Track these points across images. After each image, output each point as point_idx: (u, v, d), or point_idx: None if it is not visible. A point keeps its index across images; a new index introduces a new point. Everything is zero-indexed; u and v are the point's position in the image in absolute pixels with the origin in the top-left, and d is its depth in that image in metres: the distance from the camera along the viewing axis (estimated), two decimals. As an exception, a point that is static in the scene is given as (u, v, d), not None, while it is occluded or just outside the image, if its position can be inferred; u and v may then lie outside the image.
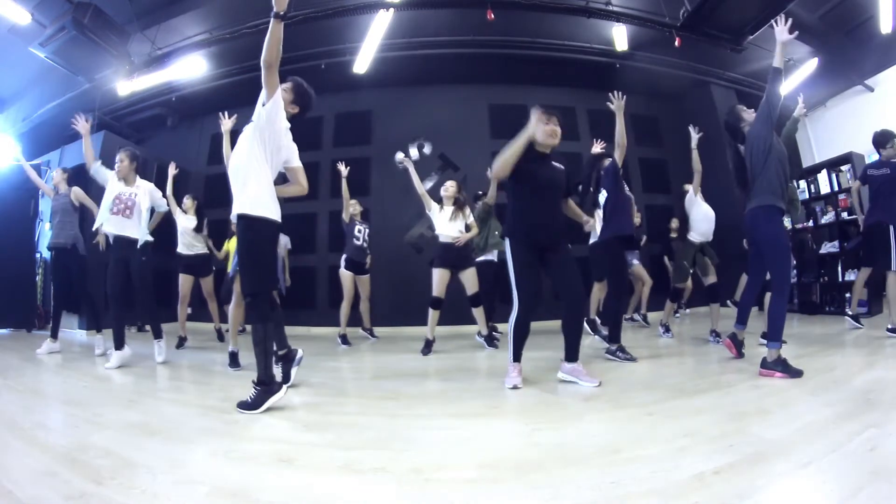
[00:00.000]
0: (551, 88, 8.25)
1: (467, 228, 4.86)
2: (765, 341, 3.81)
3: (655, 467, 1.71)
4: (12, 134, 8.55)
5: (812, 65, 7.40)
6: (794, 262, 7.09)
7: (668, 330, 5.25)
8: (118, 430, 2.35)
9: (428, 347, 4.65)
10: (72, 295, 5.13)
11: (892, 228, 4.55)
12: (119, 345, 4.21)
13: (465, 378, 3.61)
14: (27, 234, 7.06)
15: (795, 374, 2.99)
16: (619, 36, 6.82)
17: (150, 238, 4.55)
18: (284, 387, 2.77)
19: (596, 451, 1.94)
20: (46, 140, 8.26)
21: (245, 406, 2.61)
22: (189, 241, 5.85)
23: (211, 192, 8.57)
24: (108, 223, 4.27)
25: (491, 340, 4.90)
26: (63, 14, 5.43)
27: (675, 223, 6.86)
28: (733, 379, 3.08)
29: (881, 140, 4.85)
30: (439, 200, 4.91)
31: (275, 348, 3.06)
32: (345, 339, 5.67)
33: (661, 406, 2.53)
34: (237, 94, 8.05)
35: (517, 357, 3.15)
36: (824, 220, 7.05)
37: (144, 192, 4.43)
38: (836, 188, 6.91)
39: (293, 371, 3.23)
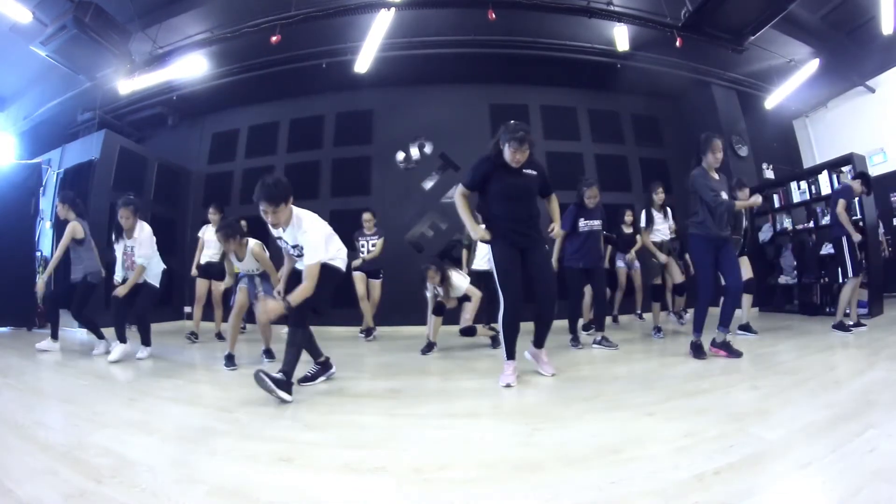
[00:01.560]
0: (552, 88, 8.26)
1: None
2: (742, 333, 5.03)
3: (655, 467, 1.71)
4: (13, 132, 8.56)
5: (813, 65, 7.40)
6: (795, 262, 7.10)
7: (659, 331, 5.31)
8: (118, 428, 2.35)
9: (429, 348, 4.66)
10: (69, 299, 5.17)
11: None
12: (122, 339, 4.60)
13: (465, 378, 3.61)
14: (27, 233, 7.05)
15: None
16: (621, 36, 6.81)
17: (160, 269, 4.86)
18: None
19: (596, 451, 1.94)
20: (47, 139, 8.27)
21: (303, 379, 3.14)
22: (213, 252, 6.02)
23: (211, 191, 8.59)
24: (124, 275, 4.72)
25: (496, 341, 4.84)
26: (64, 13, 5.42)
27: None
28: (733, 379, 3.08)
29: None
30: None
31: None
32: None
33: (661, 406, 2.53)
34: (238, 94, 8.09)
35: (511, 354, 3.28)
36: (825, 221, 7.03)
37: (141, 241, 4.65)
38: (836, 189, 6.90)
39: (319, 379, 3.43)
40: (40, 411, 2.75)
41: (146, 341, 4.73)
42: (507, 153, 3.23)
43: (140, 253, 4.65)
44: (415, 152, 7.75)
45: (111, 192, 7.20)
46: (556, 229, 3.60)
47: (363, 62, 6.83)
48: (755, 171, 8.22)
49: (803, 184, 7.07)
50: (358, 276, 5.96)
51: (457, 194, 3.46)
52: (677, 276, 5.64)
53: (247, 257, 4.27)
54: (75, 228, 4.99)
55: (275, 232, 3.16)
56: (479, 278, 5.38)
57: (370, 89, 7.84)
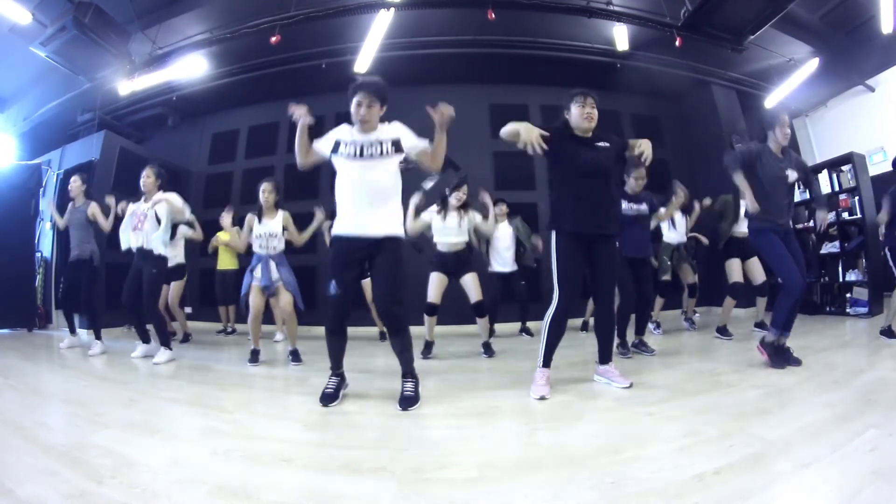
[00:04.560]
0: (552, 88, 8.22)
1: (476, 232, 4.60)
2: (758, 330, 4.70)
3: (656, 467, 1.72)
4: (13, 133, 8.56)
5: (813, 65, 7.39)
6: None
7: (658, 326, 5.32)
8: (119, 429, 2.36)
9: (428, 349, 4.50)
10: (78, 299, 5.22)
11: None
12: (144, 339, 4.67)
13: (465, 378, 3.61)
14: (28, 234, 7.06)
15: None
16: (620, 36, 6.81)
17: (164, 252, 4.58)
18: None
19: (596, 450, 1.94)
20: (47, 140, 8.26)
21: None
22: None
23: (211, 192, 8.59)
24: (130, 239, 4.55)
25: (489, 349, 4.59)
26: (64, 14, 5.42)
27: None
28: (734, 379, 3.08)
29: None
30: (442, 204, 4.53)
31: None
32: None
33: (661, 406, 2.53)
34: (238, 94, 8.09)
35: (548, 361, 2.99)
36: (825, 220, 7.04)
37: (160, 204, 4.48)
38: (836, 188, 6.90)
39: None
40: (41, 412, 2.75)
41: (165, 342, 4.51)
42: (576, 112, 3.04)
43: (174, 207, 4.47)
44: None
45: (111, 192, 7.19)
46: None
47: (363, 62, 6.82)
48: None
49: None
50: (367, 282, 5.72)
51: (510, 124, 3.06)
52: (689, 275, 5.63)
53: (275, 220, 4.34)
54: (97, 208, 5.21)
55: (348, 135, 2.88)
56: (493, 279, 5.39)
57: (369, 89, 7.82)
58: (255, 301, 4.35)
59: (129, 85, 6.82)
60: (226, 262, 6.90)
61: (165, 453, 2.02)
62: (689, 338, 5.32)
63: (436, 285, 4.45)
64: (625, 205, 4.33)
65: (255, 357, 4.31)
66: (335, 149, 2.85)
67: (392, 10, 5.94)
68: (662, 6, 6.21)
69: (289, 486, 1.67)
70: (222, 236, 6.71)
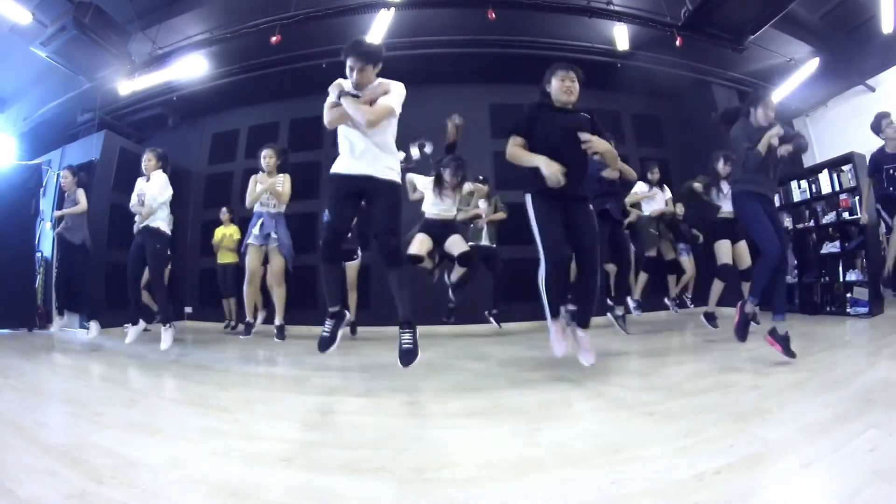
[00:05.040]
0: (552, 88, 8.26)
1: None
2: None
3: (656, 467, 1.71)
4: (13, 134, 8.56)
5: (813, 64, 7.39)
6: (795, 261, 7.09)
7: (639, 305, 5.31)
8: (119, 429, 2.35)
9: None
10: (71, 289, 5.45)
11: None
12: (134, 321, 4.76)
13: (464, 378, 3.60)
14: (28, 234, 7.06)
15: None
16: (621, 36, 6.82)
17: (166, 228, 4.74)
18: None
19: (596, 450, 1.94)
20: (47, 140, 8.27)
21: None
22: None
23: (211, 192, 8.59)
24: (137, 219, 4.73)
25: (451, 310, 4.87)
26: (64, 13, 5.43)
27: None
28: (734, 379, 3.08)
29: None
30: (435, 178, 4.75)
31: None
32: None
33: (661, 406, 2.53)
34: (238, 94, 8.09)
35: (555, 313, 3.02)
36: (825, 220, 7.03)
37: (154, 184, 4.69)
38: (837, 188, 6.89)
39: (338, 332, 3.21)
40: (41, 411, 2.75)
41: (166, 319, 4.58)
42: (556, 85, 3.05)
43: (151, 194, 4.63)
44: (415, 152, 7.72)
45: (112, 192, 7.21)
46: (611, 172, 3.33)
47: (363, 62, 6.82)
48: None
49: (804, 183, 7.08)
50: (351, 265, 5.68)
51: (509, 147, 3.09)
52: (670, 251, 5.66)
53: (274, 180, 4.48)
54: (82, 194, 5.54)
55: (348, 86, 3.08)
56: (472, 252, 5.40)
57: (370, 89, 7.83)
58: (251, 262, 4.42)
59: (129, 85, 6.84)
60: (226, 257, 6.95)
61: (166, 453, 2.02)
62: (690, 338, 5.30)
63: (420, 241, 4.58)
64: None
65: (248, 329, 4.37)
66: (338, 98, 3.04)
67: (392, 9, 5.95)
68: (663, 6, 6.22)
69: (289, 486, 1.67)
70: (220, 232, 6.80)
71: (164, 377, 3.74)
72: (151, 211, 4.60)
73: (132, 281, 4.76)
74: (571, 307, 4.12)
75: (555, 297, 3.02)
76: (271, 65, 7.38)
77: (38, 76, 7.49)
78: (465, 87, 7.99)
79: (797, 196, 7.24)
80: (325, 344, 2.90)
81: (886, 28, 6.36)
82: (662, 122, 8.68)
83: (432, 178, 4.74)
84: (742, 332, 3.47)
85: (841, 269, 6.72)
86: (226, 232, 7.05)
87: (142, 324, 4.74)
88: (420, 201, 4.85)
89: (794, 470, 1.64)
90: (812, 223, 7.22)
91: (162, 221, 4.70)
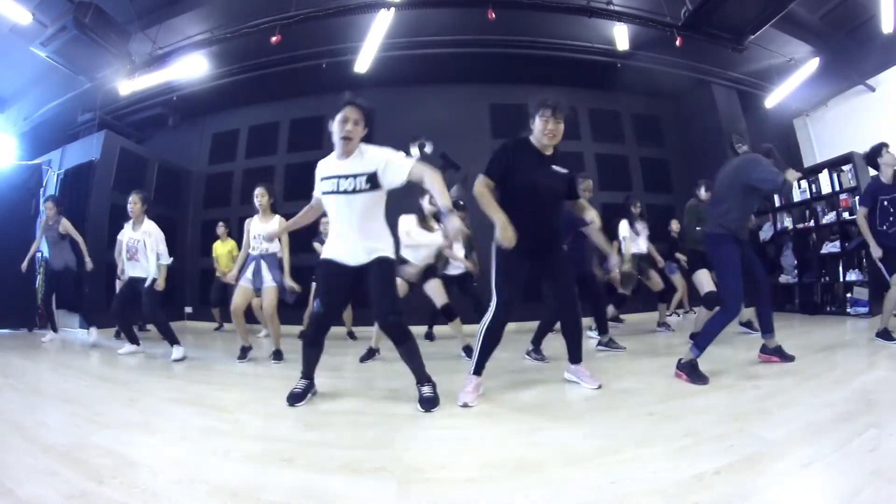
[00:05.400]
0: (553, 88, 8.23)
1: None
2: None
3: (656, 467, 1.72)
4: (13, 134, 8.56)
5: (813, 64, 7.39)
6: (795, 261, 7.09)
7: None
8: (119, 429, 2.36)
9: (369, 355, 4.42)
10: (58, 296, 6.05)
11: None
12: (132, 340, 4.93)
13: (465, 378, 3.59)
14: (28, 234, 7.05)
15: (701, 380, 3.03)
16: (621, 35, 6.81)
17: (165, 264, 4.85)
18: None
19: (596, 450, 1.95)
20: (48, 140, 8.27)
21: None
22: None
23: (211, 192, 8.60)
24: (128, 268, 4.86)
25: (471, 352, 4.64)
26: (64, 14, 5.42)
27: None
28: (733, 379, 3.08)
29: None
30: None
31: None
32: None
33: (661, 406, 2.53)
34: (238, 94, 8.09)
35: (479, 369, 2.91)
36: (825, 220, 7.04)
37: (149, 237, 4.78)
38: (837, 188, 6.89)
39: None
40: (41, 412, 2.75)
41: (174, 340, 4.67)
42: (539, 125, 2.85)
43: (161, 250, 4.80)
44: (415, 152, 7.72)
45: (111, 192, 7.21)
46: (591, 216, 3.18)
47: (363, 62, 6.82)
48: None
49: (804, 183, 7.08)
50: None
51: (477, 185, 2.86)
52: (656, 284, 5.69)
53: (270, 223, 4.42)
54: (68, 224, 5.80)
55: (325, 167, 2.83)
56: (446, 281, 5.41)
57: (370, 89, 7.82)
58: (237, 300, 4.45)
59: (129, 85, 6.83)
60: (224, 266, 6.92)
61: (166, 453, 2.02)
62: (681, 339, 5.30)
63: (437, 289, 4.52)
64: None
65: (244, 354, 4.48)
66: (320, 186, 2.85)
67: (392, 9, 5.94)
68: (663, 6, 6.21)
69: (289, 486, 1.67)
70: (217, 248, 6.85)
71: (163, 377, 3.74)
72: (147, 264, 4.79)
73: (121, 316, 4.98)
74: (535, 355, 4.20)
75: (489, 349, 2.92)
76: (271, 65, 7.38)
77: (38, 76, 7.49)
78: (465, 86, 7.99)
79: (797, 196, 7.25)
80: (295, 398, 2.77)
81: (886, 28, 6.36)
82: (662, 122, 8.68)
83: (415, 218, 4.50)
84: (699, 378, 3.07)
85: (841, 269, 6.73)
86: (222, 251, 7.03)
87: (137, 347, 4.93)
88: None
89: (794, 470, 1.65)
90: (812, 223, 7.23)
91: (153, 268, 4.78)
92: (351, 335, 6.25)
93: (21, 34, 5.85)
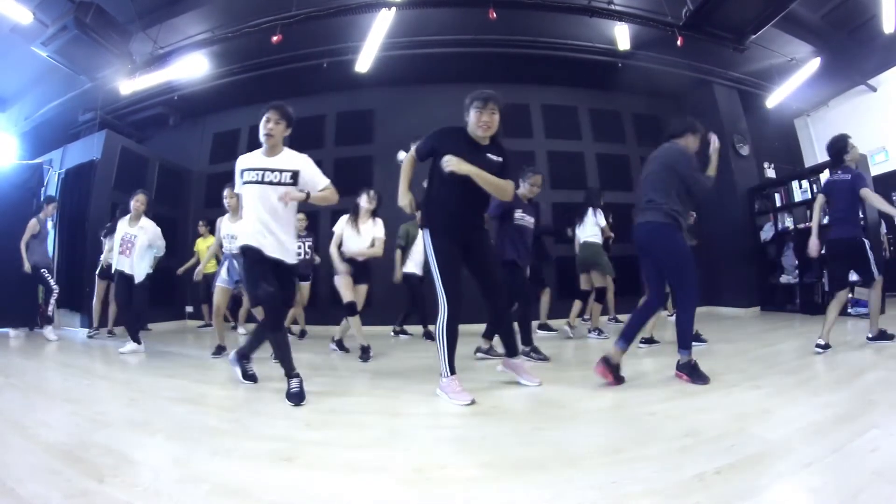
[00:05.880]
0: (553, 88, 8.26)
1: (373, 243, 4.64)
2: (644, 346, 4.44)
3: (657, 467, 1.72)
4: (14, 133, 8.57)
5: (814, 64, 7.39)
6: (796, 261, 7.07)
7: (600, 333, 5.40)
8: (120, 428, 2.36)
9: (366, 353, 4.43)
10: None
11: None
12: (135, 339, 4.96)
13: (465, 378, 3.59)
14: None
15: (702, 379, 2.96)
16: (622, 35, 6.81)
17: (149, 271, 5.21)
18: None
19: (597, 450, 1.95)
20: (48, 139, 8.27)
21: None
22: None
23: (212, 192, 8.58)
24: (116, 261, 5.04)
25: (342, 346, 4.83)
26: (65, 13, 5.42)
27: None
28: (734, 379, 3.07)
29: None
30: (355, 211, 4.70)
31: None
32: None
33: (662, 406, 2.53)
34: (239, 93, 8.09)
35: (454, 369, 2.87)
36: (825, 220, 7.00)
37: (145, 233, 5.02)
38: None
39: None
40: (42, 411, 2.76)
41: (136, 338, 4.93)
42: (472, 117, 2.88)
43: (159, 244, 5.17)
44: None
45: (112, 192, 7.21)
46: (471, 169, 2.88)
47: (364, 62, 6.83)
48: (756, 170, 8.22)
49: (805, 183, 7.06)
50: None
51: (405, 158, 3.05)
52: (598, 279, 5.51)
53: (237, 224, 4.45)
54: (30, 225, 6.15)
55: (248, 161, 3.12)
56: (405, 281, 5.72)
57: (371, 89, 7.84)
58: (217, 299, 4.68)
59: (130, 84, 6.83)
60: (206, 267, 6.95)
61: (167, 452, 2.03)
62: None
63: (346, 286, 4.55)
64: (517, 213, 4.23)
65: (218, 351, 4.58)
66: (241, 179, 3.10)
67: (393, 9, 5.94)
68: (664, 6, 6.21)
69: (290, 486, 1.68)
70: (199, 244, 6.94)
71: (164, 377, 3.74)
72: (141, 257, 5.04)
73: (124, 309, 5.17)
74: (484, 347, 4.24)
75: (453, 346, 2.89)
76: (272, 64, 7.38)
77: (39, 76, 7.49)
78: (466, 86, 7.94)
79: (798, 196, 7.22)
80: (300, 397, 2.79)
81: (888, 28, 6.36)
82: (663, 122, 8.66)
83: (347, 217, 4.68)
84: (700, 378, 2.97)
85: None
86: (202, 248, 7.11)
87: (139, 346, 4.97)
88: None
89: (795, 470, 1.65)
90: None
91: (144, 273, 5.08)
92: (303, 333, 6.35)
93: (22, 34, 5.85)
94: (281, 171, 3.05)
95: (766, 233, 7.67)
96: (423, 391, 3.12)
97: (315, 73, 7.32)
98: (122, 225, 5.07)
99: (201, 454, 1.99)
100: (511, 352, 3.21)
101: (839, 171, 4.21)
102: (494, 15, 5.82)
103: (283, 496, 1.59)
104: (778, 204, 7.45)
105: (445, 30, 6.90)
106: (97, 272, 6.38)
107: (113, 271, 5.17)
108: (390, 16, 6.03)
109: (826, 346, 3.79)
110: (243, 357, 3.39)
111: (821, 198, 4.39)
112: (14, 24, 5.64)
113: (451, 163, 2.77)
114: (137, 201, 5.05)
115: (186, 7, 6.51)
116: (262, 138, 3.09)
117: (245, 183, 3.06)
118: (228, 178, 8.61)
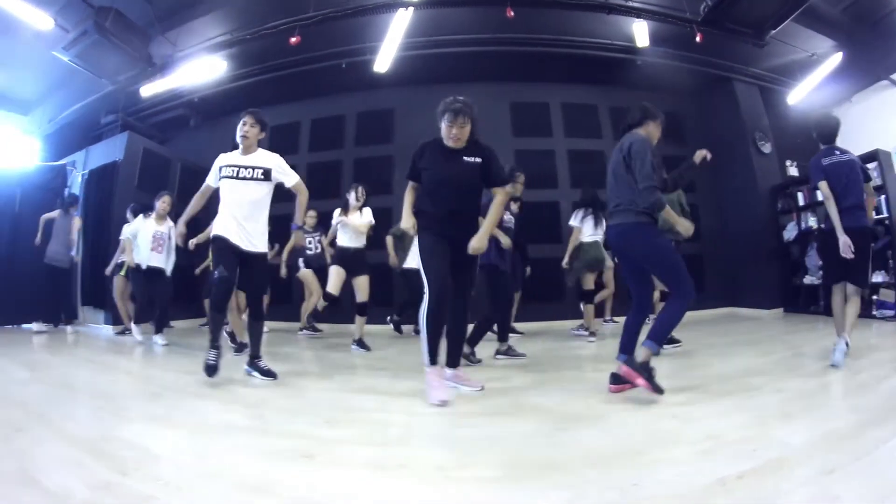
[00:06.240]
0: (572, 86, 8.19)
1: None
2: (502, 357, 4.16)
3: (678, 470, 1.70)
4: (38, 136, 8.75)
5: (836, 59, 7.22)
6: (819, 262, 6.94)
7: (592, 334, 5.28)
8: (143, 422, 2.40)
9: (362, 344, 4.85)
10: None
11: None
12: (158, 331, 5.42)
13: (488, 377, 3.58)
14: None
15: (656, 388, 2.64)
16: (640, 32, 6.74)
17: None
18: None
19: (619, 452, 1.93)
20: (72, 141, 8.44)
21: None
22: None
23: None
24: (147, 258, 5.41)
25: (363, 344, 4.90)
26: (85, 18, 5.53)
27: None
28: (758, 382, 3.02)
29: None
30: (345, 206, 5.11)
31: None
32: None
33: (685, 408, 2.50)
34: (258, 95, 8.17)
35: (434, 358, 2.85)
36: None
37: (174, 230, 5.14)
38: (862, 187, 6.72)
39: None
40: (68, 405, 2.82)
41: (160, 330, 5.38)
42: (444, 129, 2.92)
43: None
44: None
45: (135, 192, 7.33)
46: (483, 235, 2.95)
47: (383, 62, 6.85)
48: (779, 168, 8.08)
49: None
50: (307, 273, 6.33)
51: (407, 189, 3.15)
52: (589, 281, 5.47)
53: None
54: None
55: (227, 159, 3.57)
56: (404, 276, 5.78)
57: (390, 89, 7.85)
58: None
59: (150, 87, 6.93)
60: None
61: (188, 447, 2.05)
62: (709, 341, 5.22)
63: (336, 277, 4.90)
64: (504, 216, 4.17)
65: (240, 348, 4.65)
66: (219, 174, 3.50)
67: (411, 9, 5.95)
68: (682, 1, 6.14)
69: (310, 482, 1.69)
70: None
71: (186, 373, 3.78)
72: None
73: (144, 306, 5.59)
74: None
75: (436, 336, 2.86)
76: (291, 66, 7.43)
77: (61, 80, 7.64)
78: (484, 85, 7.97)
79: (821, 195, 7.09)
80: (214, 370, 3.25)
81: (912, 21, 6.21)
82: (683, 120, 8.56)
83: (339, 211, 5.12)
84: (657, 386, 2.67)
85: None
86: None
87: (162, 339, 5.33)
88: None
89: (817, 476, 1.61)
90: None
91: (170, 268, 5.61)
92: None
93: (44, 40, 5.97)
94: (254, 168, 3.47)
95: (789, 232, 7.53)
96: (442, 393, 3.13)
97: (334, 74, 7.36)
98: (149, 224, 5.38)
99: (223, 450, 2.01)
100: (452, 362, 3.14)
101: (837, 152, 3.86)
102: (512, 13, 5.80)
103: (304, 493, 1.61)
104: (801, 203, 7.32)
105: (463, 29, 6.89)
106: (114, 271, 6.34)
107: (145, 268, 5.40)
108: (408, 15, 6.04)
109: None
110: (255, 358, 3.51)
111: (824, 185, 3.79)
112: (36, 30, 5.77)
113: (474, 249, 2.91)
114: (163, 202, 5.42)
115: (204, 10, 6.59)
116: (238, 139, 3.55)
117: (222, 178, 3.45)
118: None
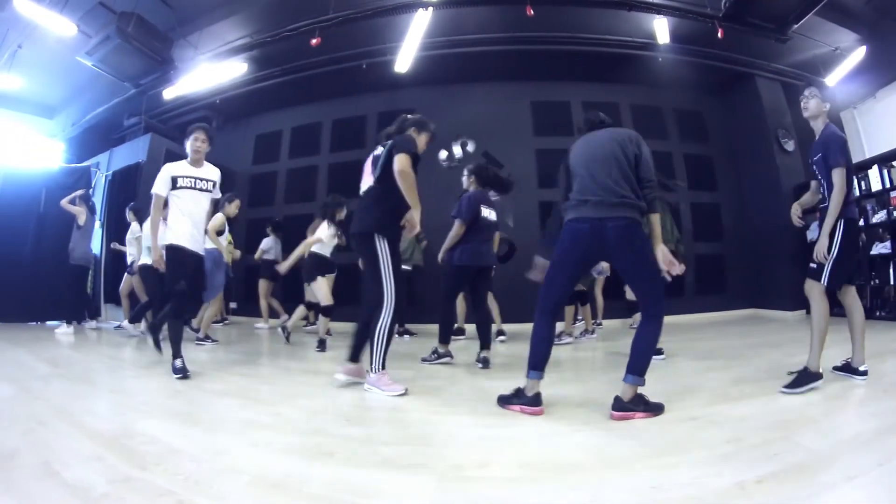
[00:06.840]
0: (593, 84, 8.13)
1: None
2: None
3: (697, 473, 1.68)
4: (63, 138, 8.95)
5: (860, 53, 7.05)
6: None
7: (569, 335, 5.22)
8: (163, 418, 2.44)
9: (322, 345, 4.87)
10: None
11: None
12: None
13: (507, 376, 3.54)
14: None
15: (656, 410, 2.46)
16: (661, 28, 6.65)
17: None
18: None
19: (638, 454, 1.92)
20: (95, 144, 8.62)
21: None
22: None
23: (255, 192, 8.81)
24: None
25: (323, 345, 4.89)
26: (107, 24, 5.64)
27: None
28: (778, 385, 2.96)
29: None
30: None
31: None
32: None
33: (704, 411, 2.47)
34: (280, 96, 8.27)
35: (384, 363, 3.07)
36: (875, 219, 6.71)
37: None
38: (888, 185, 6.55)
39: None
40: (89, 400, 2.88)
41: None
42: (423, 140, 3.61)
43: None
44: (457, 151, 7.71)
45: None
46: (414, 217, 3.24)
47: (403, 62, 6.87)
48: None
49: (853, 179, 6.77)
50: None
51: (408, 165, 3.24)
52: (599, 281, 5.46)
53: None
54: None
55: (179, 169, 3.69)
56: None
57: (411, 89, 7.88)
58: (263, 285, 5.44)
59: (172, 89, 7.04)
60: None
61: (208, 443, 2.08)
62: (731, 344, 5.14)
63: (327, 287, 5.06)
64: (484, 211, 4.23)
65: (321, 344, 4.87)
66: (174, 184, 3.65)
67: (430, 9, 5.96)
68: (703, -4, 6.06)
69: (329, 480, 1.70)
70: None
71: (206, 369, 3.83)
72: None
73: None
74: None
75: (390, 343, 3.07)
76: (312, 67, 7.50)
77: (85, 84, 7.81)
78: (505, 84, 7.96)
79: (838, 182, 6.92)
80: (185, 371, 3.42)
81: (939, 14, 6.02)
82: (706, 117, 8.44)
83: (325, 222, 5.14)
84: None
85: (892, 271, 6.40)
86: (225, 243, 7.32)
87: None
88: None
89: (837, 482, 1.58)
90: (861, 222, 6.90)
91: None
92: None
93: (67, 45, 6.10)
94: (207, 180, 3.79)
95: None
96: (464, 389, 3.13)
97: (355, 75, 7.41)
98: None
99: (242, 446, 2.04)
100: (352, 356, 3.28)
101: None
102: (531, 12, 5.77)
103: (323, 490, 1.61)
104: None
105: (483, 28, 6.88)
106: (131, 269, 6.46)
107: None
108: (427, 16, 6.05)
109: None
110: (175, 357, 3.55)
111: (814, 184, 3.64)
112: (60, 36, 5.90)
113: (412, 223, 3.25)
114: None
115: (225, 13, 6.67)
116: (191, 152, 3.73)
117: (179, 188, 3.65)
118: (271, 179, 8.89)
